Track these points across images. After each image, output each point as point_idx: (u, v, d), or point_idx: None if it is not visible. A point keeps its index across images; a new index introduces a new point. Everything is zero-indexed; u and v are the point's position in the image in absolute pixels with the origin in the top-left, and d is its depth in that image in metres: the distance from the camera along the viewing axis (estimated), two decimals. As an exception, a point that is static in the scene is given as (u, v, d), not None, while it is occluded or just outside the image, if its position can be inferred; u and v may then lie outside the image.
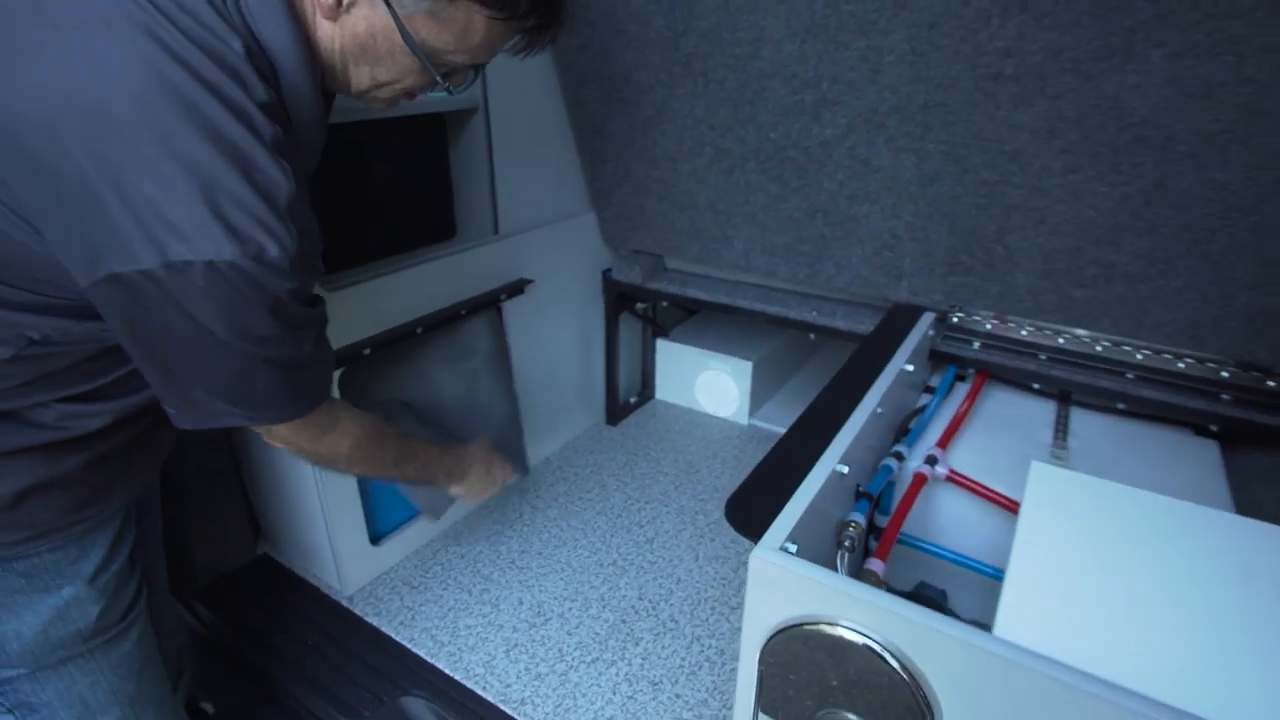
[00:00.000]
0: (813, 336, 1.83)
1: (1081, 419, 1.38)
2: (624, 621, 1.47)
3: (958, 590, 1.25)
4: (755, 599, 0.81)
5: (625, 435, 2.20)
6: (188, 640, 1.50)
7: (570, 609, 1.50)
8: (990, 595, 1.24)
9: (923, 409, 1.42)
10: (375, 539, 1.56)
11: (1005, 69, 1.22)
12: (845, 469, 1.02)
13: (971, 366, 1.53)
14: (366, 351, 1.39)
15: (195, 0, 0.65)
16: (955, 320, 1.59)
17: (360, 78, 0.79)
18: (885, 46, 1.30)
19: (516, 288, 1.75)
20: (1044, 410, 1.42)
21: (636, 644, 1.42)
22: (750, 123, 1.54)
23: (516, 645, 1.41)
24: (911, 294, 1.62)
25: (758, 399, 2.30)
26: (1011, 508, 1.18)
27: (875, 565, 1.03)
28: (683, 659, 1.39)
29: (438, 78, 0.79)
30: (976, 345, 1.53)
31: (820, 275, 1.72)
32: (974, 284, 1.52)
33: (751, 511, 0.88)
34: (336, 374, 1.37)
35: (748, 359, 2.22)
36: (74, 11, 0.62)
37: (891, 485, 1.26)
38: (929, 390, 1.54)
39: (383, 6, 0.74)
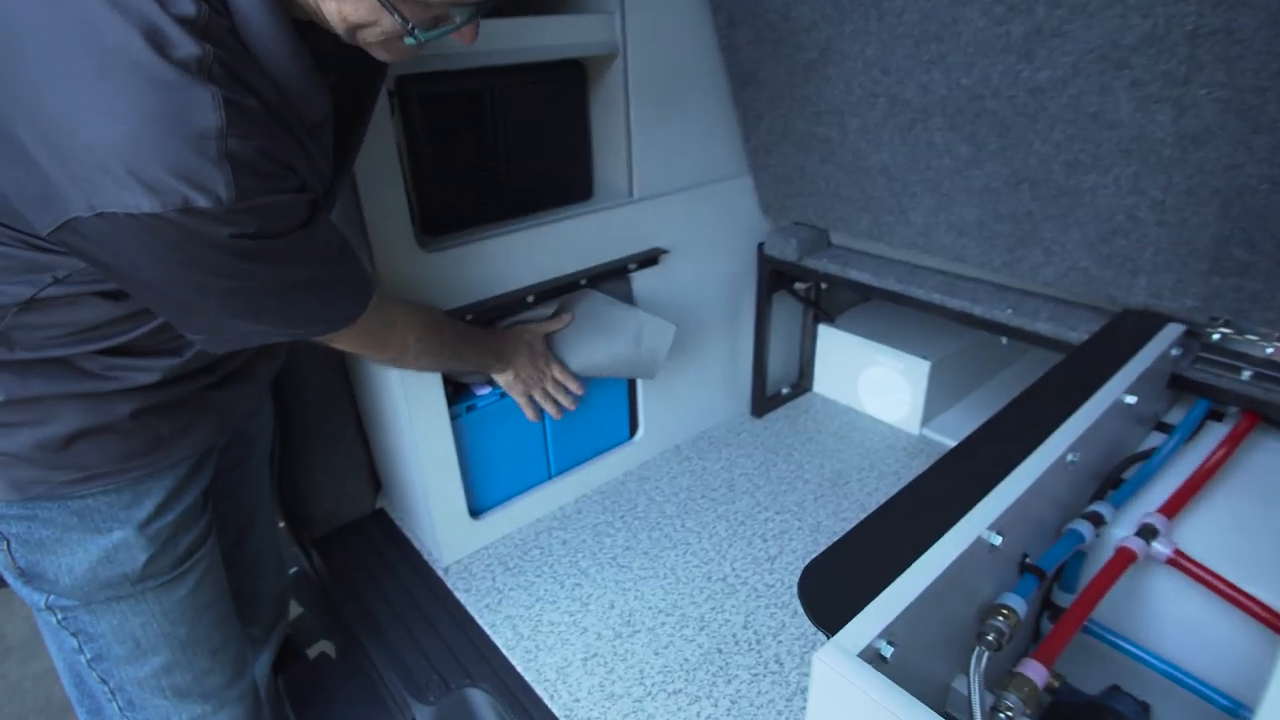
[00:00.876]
0: (1004, 340, 1.46)
1: None
2: (720, 651, 1.27)
3: (1168, 707, 0.91)
4: (819, 716, 0.58)
5: (770, 430, 1.96)
6: (296, 585, 1.56)
7: (663, 624, 1.33)
8: (1217, 730, 0.88)
9: (1148, 454, 1.05)
10: (475, 513, 1.50)
11: (1347, -32, 0.81)
12: (998, 539, 0.73)
13: (1234, 404, 1.11)
14: (468, 318, 1.30)
15: None
16: (1215, 338, 1.16)
17: (331, 15, 0.67)
18: (1142, -53, 0.93)
19: (650, 258, 1.58)
20: (1348, 480, 0.99)
21: (729, 682, 1.22)
22: (936, 65, 1.20)
23: (596, 655, 1.27)
24: (1151, 297, 1.21)
25: (934, 406, 1.93)
26: (1272, 623, 0.81)
27: (1033, 670, 0.73)
28: (779, 711, 1.16)
29: (397, 16, 0.64)
30: (1246, 375, 1.10)
31: (1022, 264, 1.35)
32: (1252, 289, 1.09)
33: (837, 588, 0.64)
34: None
35: (926, 358, 1.86)
36: None
37: (1080, 557, 0.93)
38: (1162, 428, 1.15)
39: None
